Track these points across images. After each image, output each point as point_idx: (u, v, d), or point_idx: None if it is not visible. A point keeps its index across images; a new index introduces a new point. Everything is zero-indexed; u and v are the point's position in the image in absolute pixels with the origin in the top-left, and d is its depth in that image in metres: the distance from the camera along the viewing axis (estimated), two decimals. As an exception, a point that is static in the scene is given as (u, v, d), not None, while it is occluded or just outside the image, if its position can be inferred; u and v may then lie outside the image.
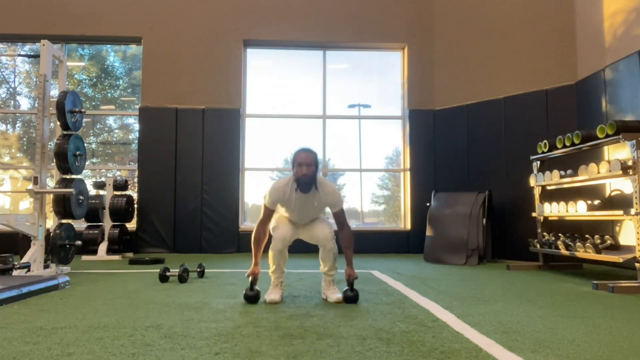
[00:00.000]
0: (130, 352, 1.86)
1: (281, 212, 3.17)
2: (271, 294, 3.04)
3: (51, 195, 4.67)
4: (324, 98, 7.46)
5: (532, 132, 5.87)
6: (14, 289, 2.99)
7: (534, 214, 5.04)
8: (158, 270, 3.93)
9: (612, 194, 4.89)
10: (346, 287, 3.03)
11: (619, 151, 4.71)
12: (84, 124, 5.45)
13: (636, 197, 3.52)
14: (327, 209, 3.20)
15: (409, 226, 7.10)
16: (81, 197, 4.68)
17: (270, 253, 3.07)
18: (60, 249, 4.45)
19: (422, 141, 7.16)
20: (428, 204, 6.40)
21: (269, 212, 3.08)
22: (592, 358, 1.80)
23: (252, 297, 2.95)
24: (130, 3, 7.21)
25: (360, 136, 7.69)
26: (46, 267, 4.37)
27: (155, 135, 6.98)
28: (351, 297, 2.98)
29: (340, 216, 3.10)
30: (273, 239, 3.06)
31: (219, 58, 7.18)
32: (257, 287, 2.99)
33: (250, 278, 3.00)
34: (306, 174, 2.93)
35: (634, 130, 3.68)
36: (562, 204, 4.52)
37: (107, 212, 6.28)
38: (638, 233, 3.50)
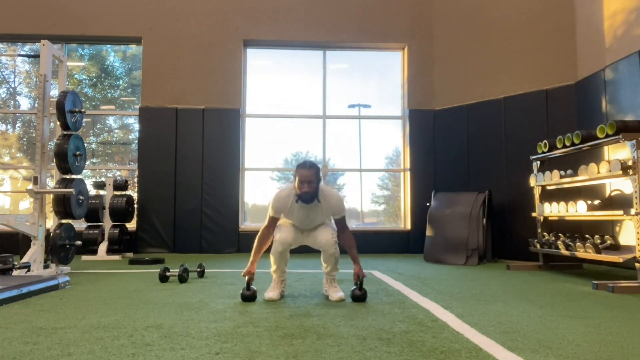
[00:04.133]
0: (130, 352, 1.86)
1: (285, 219, 3.19)
2: (270, 292, 3.08)
3: (51, 195, 4.67)
4: (324, 98, 7.46)
5: (532, 132, 5.87)
6: (14, 289, 2.99)
7: (534, 214, 5.04)
8: (158, 270, 3.93)
9: (612, 194, 4.89)
10: (354, 287, 3.03)
11: (619, 151, 4.71)
12: (84, 124, 5.45)
13: (636, 197, 3.52)
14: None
15: (409, 226, 7.10)
16: (81, 197, 4.68)
17: (272, 255, 3.10)
18: (60, 249, 4.45)
19: (422, 141, 7.16)
20: (428, 204, 6.40)
21: (273, 220, 3.12)
22: (592, 358, 1.80)
23: (249, 297, 2.97)
24: (130, 3, 7.21)
25: (360, 136, 7.69)
26: (46, 267, 4.37)
27: (155, 135, 6.98)
28: (359, 296, 2.99)
29: (341, 222, 3.16)
30: (275, 241, 3.08)
31: (219, 58, 7.18)
32: (253, 287, 3.01)
33: (246, 277, 3.03)
34: (307, 191, 2.96)
35: (634, 130, 3.68)
36: (562, 204, 4.52)
37: (107, 212, 6.28)
38: (638, 233, 3.50)
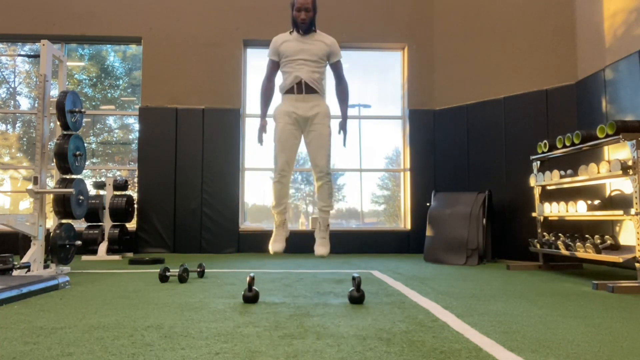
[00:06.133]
0: (130, 352, 1.86)
1: (283, 69, 3.14)
2: (275, 243, 3.01)
3: (51, 195, 4.67)
4: (324, 98, 7.45)
5: (532, 132, 5.87)
6: (14, 289, 2.99)
7: (534, 214, 5.04)
8: (158, 270, 3.93)
9: (612, 194, 4.89)
10: (352, 288, 3.00)
11: (619, 151, 4.71)
12: (84, 124, 5.45)
13: (636, 197, 3.52)
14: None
15: (409, 226, 7.10)
16: (81, 197, 4.68)
17: (272, 185, 3.11)
18: (60, 249, 4.45)
19: (422, 141, 7.16)
20: (428, 204, 6.40)
21: (272, 65, 3.16)
22: (592, 358, 1.80)
23: (251, 298, 2.95)
24: (130, 3, 7.21)
25: (360, 136, 7.69)
26: (46, 267, 4.37)
27: (155, 135, 6.98)
28: (357, 298, 2.96)
29: (338, 68, 3.20)
30: (274, 171, 3.11)
31: (219, 58, 7.18)
32: (255, 288, 3.00)
33: (247, 278, 2.99)
34: (304, 19, 2.96)
35: (634, 130, 3.68)
36: (562, 204, 4.52)
37: (107, 212, 6.28)
38: (638, 233, 3.50)
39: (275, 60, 3.13)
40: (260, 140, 3.17)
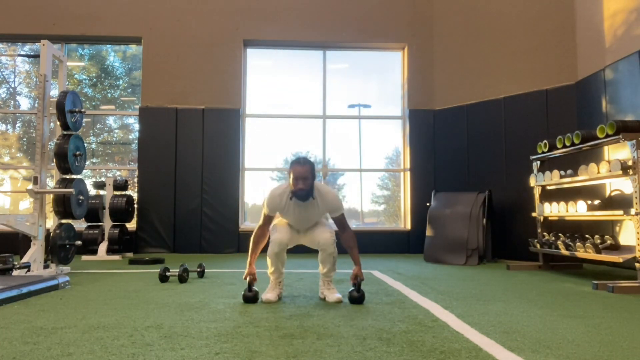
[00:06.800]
0: (130, 352, 1.86)
1: (281, 218, 3.15)
2: (268, 294, 3.03)
3: (51, 195, 4.67)
4: (324, 98, 7.46)
5: (532, 132, 5.87)
6: (14, 289, 2.99)
7: (534, 214, 5.04)
8: (158, 270, 3.93)
9: (612, 194, 4.88)
10: (352, 288, 3.00)
11: (619, 151, 4.71)
12: (84, 124, 5.45)
13: (636, 197, 3.52)
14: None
15: (409, 226, 7.10)
16: (81, 197, 4.68)
17: (268, 256, 3.04)
18: (60, 249, 4.45)
19: (422, 141, 7.16)
20: (428, 204, 6.40)
21: (267, 219, 3.08)
22: (592, 358, 1.80)
23: (251, 298, 2.95)
24: (130, 3, 7.21)
25: (360, 136, 7.69)
26: (46, 267, 4.37)
27: (155, 135, 6.98)
28: (357, 298, 2.93)
29: (341, 220, 3.09)
30: (270, 241, 3.02)
31: (219, 58, 7.18)
32: (255, 288, 2.99)
33: (247, 279, 3.00)
34: (302, 188, 2.88)
35: (634, 130, 3.68)
36: (562, 204, 4.52)
37: (107, 212, 6.28)
38: (638, 233, 3.50)
39: (271, 215, 3.07)
40: (249, 289, 3.00)
